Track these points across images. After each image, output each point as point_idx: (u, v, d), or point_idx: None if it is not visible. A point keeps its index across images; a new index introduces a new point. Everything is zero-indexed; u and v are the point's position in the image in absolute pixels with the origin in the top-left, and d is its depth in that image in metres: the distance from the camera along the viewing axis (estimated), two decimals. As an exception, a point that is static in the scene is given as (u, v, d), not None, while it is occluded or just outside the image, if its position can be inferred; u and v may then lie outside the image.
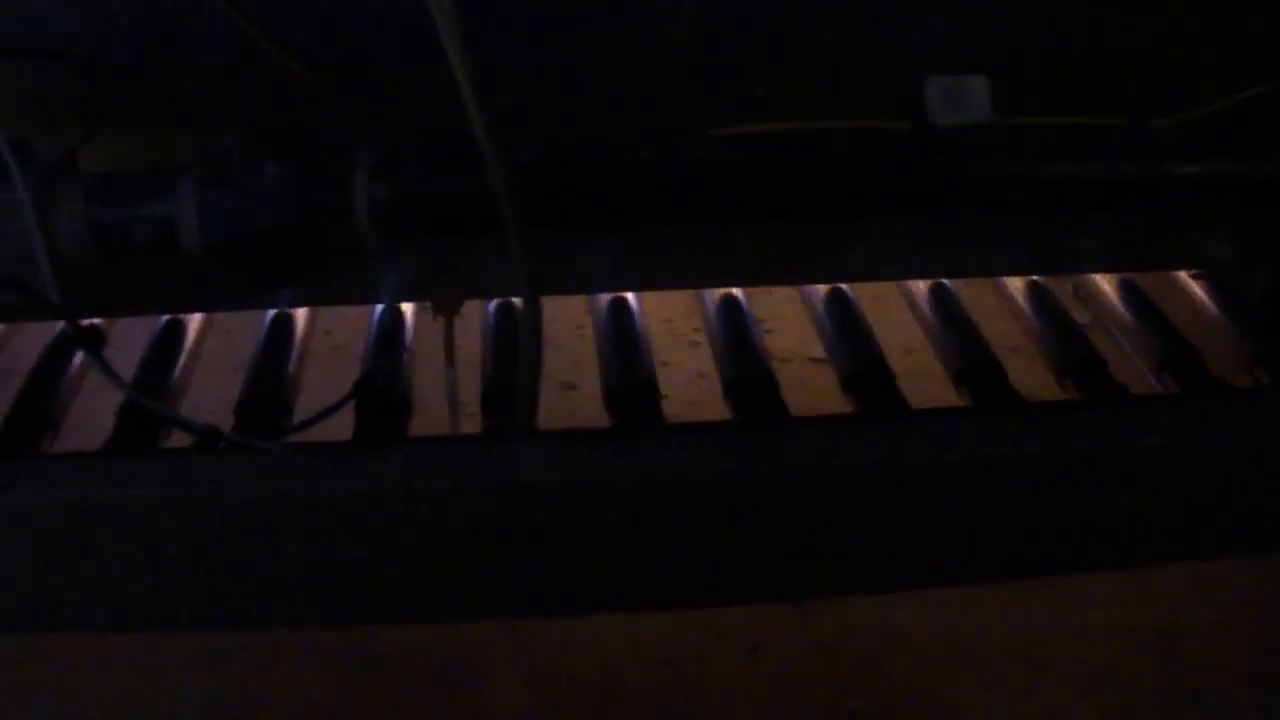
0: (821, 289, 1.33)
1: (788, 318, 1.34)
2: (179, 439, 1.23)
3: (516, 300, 1.31)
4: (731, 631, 1.42)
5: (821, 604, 1.41)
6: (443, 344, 1.35)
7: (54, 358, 1.30)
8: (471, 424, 1.31)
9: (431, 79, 1.15)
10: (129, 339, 1.27)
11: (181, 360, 1.28)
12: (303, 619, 1.17)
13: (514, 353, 1.25)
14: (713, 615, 1.41)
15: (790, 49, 1.16)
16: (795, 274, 1.29)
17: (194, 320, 1.33)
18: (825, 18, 1.15)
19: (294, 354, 1.27)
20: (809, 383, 1.23)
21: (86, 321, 1.09)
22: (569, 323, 1.31)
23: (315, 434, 1.16)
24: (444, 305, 1.34)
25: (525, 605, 1.14)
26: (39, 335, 1.32)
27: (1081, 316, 1.37)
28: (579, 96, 1.17)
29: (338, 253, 1.08)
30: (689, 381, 1.26)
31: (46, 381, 1.27)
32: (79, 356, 1.31)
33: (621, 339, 1.26)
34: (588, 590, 1.10)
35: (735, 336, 1.27)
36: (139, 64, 1.16)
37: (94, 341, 1.07)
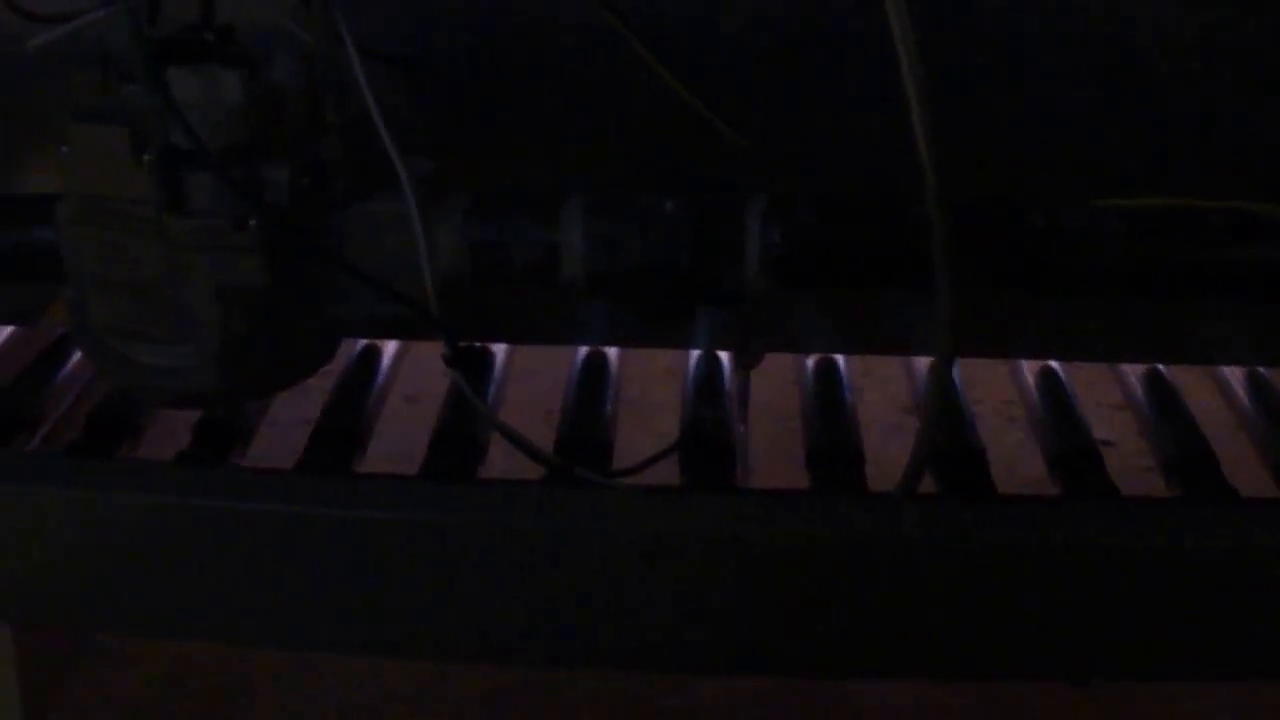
0: (1139, 369, 1.32)
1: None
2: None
3: (838, 357, 1.29)
4: (1018, 711, 1.39)
5: (1110, 689, 1.39)
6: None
7: (359, 372, 1.29)
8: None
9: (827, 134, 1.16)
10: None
11: (492, 391, 1.26)
12: (617, 662, 1.14)
13: (841, 412, 1.24)
14: (997, 691, 1.38)
15: (1159, 125, 1.16)
16: (1132, 351, 1.28)
17: (501, 351, 1.31)
18: (1197, 100, 1.15)
19: (612, 392, 1.24)
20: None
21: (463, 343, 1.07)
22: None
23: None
24: (747, 358, 1.32)
25: (823, 664, 1.12)
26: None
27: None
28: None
29: (721, 297, 1.06)
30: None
31: (353, 397, 1.25)
32: (382, 374, 1.30)
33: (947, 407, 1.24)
34: (898, 653, 1.08)
35: (1059, 409, 1.26)
36: (514, 81, 1.15)
37: (472, 364, 1.04)
